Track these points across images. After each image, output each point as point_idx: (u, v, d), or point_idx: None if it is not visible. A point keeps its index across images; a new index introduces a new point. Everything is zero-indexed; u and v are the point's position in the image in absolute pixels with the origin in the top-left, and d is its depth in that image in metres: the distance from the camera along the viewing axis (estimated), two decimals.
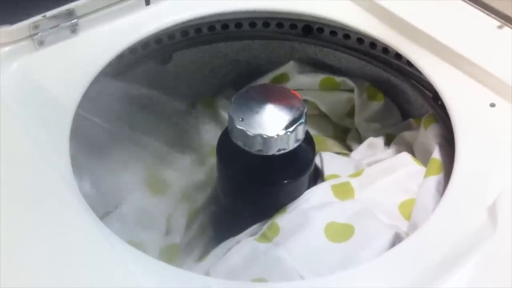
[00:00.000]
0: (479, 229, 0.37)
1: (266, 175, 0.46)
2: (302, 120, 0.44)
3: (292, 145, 0.44)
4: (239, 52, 0.62)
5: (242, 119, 0.43)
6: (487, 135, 0.43)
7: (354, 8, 0.55)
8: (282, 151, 0.44)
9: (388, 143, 0.55)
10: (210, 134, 0.60)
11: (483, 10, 0.50)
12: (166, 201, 0.55)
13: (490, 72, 0.46)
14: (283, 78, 0.60)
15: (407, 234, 0.43)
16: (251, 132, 0.43)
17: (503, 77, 0.45)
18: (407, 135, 0.54)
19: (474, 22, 0.51)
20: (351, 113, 0.60)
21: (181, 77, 0.61)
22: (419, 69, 0.50)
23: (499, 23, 0.49)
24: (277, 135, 0.43)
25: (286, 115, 0.44)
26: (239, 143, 0.44)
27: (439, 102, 0.52)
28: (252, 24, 0.60)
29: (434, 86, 0.48)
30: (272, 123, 0.43)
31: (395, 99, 0.59)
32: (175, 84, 0.60)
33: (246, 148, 0.44)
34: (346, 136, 0.60)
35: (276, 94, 0.45)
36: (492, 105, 0.45)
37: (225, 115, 0.61)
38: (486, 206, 0.38)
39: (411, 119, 0.57)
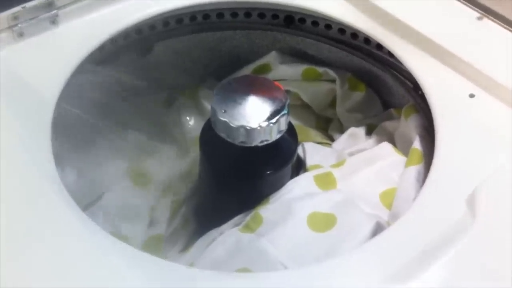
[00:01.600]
0: (458, 219, 0.38)
1: (249, 166, 0.46)
2: (285, 111, 0.44)
3: (274, 136, 0.44)
4: (221, 43, 0.62)
5: (225, 111, 0.43)
6: (466, 126, 0.44)
7: None
8: (265, 142, 0.44)
9: (369, 133, 0.55)
10: (193, 125, 0.60)
11: (462, 1, 0.51)
12: (149, 192, 0.55)
13: (469, 63, 0.47)
14: (265, 68, 0.60)
15: (388, 224, 0.44)
16: (234, 123, 0.43)
17: (483, 68, 0.46)
18: (388, 125, 0.55)
19: (454, 13, 0.51)
20: (333, 104, 0.60)
21: (162, 67, 0.60)
22: (400, 59, 0.51)
23: (478, 15, 0.50)
24: (260, 126, 0.43)
25: (269, 107, 0.44)
26: (222, 135, 0.44)
27: (420, 92, 0.52)
28: (234, 14, 0.60)
29: (415, 77, 0.49)
30: (255, 115, 0.44)
31: (377, 89, 0.59)
32: (156, 75, 0.60)
33: (230, 140, 0.44)
34: (328, 126, 0.61)
35: (258, 85, 0.45)
36: (472, 95, 0.46)
37: (207, 105, 0.61)
38: (466, 196, 0.39)
39: (392, 109, 0.57)
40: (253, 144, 0.44)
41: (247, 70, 0.61)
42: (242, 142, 0.44)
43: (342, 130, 0.59)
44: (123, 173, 0.55)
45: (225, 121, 0.43)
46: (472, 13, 0.50)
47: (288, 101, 0.45)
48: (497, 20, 0.49)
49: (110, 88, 0.54)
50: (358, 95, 0.58)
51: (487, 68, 0.46)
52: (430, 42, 0.49)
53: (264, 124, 0.43)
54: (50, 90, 0.45)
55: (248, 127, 0.43)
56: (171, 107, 0.60)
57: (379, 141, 0.54)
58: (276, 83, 0.47)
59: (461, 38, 0.49)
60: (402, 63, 0.50)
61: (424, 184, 0.41)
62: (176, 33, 0.59)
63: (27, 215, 0.37)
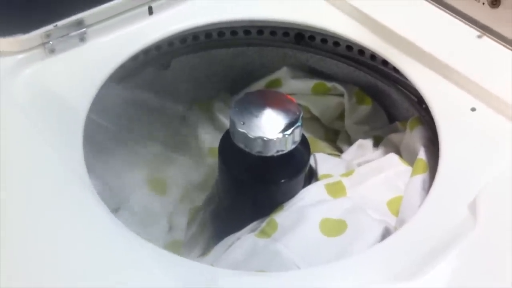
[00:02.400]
0: (461, 224, 0.40)
1: (265, 174, 0.49)
2: (299, 123, 0.47)
3: (289, 147, 0.47)
4: (234, 58, 0.65)
5: (243, 123, 0.46)
6: (468, 138, 0.47)
7: (344, 18, 0.58)
8: (280, 153, 0.47)
9: (376, 144, 0.59)
10: (208, 136, 0.63)
11: (463, 20, 0.54)
12: (167, 200, 0.58)
13: (470, 79, 0.50)
14: (277, 83, 0.64)
15: (396, 229, 0.46)
16: (252, 135, 0.46)
17: (483, 83, 0.49)
18: (394, 137, 0.58)
19: (455, 32, 0.54)
20: (341, 117, 0.63)
21: (179, 82, 0.64)
22: (405, 75, 0.54)
23: (478, 33, 0.53)
24: (276, 137, 0.46)
25: (284, 119, 0.47)
26: (241, 145, 0.47)
27: (424, 106, 0.55)
28: (247, 32, 0.63)
29: (419, 91, 0.52)
30: (271, 127, 0.47)
31: (382, 103, 0.63)
32: (174, 89, 0.63)
33: (247, 150, 0.47)
34: (337, 138, 0.64)
35: (273, 99, 0.49)
36: (473, 109, 0.49)
37: (221, 118, 0.64)
38: (468, 202, 0.42)
39: (397, 122, 0.60)
40: (269, 154, 0.47)
41: (260, 84, 0.64)
42: (259, 152, 0.47)
43: (350, 142, 0.62)
44: (142, 182, 0.58)
45: (243, 132, 0.46)
46: (472, 32, 0.53)
47: (301, 114, 0.48)
48: (496, 39, 0.52)
49: (131, 101, 0.57)
50: (365, 108, 0.61)
51: (488, 83, 0.49)
52: (433, 59, 0.52)
53: (280, 135, 0.46)
54: (80, 102, 0.48)
55: (265, 138, 0.46)
56: (187, 120, 0.63)
57: (386, 152, 0.57)
58: (289, 96, 0.50)
59: (463, 55, 0.52)
60: (407, 78, 0.53)
61: (429, 191, 0.44)
62: (193, 49, 0.63)
63: (63, 219, 0.40)
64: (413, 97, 0.58)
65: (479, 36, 0.53)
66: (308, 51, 0.64)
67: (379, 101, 0.63)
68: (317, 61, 0.64)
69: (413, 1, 0.57)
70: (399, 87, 0.60)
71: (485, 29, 0.53)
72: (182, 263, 0.39)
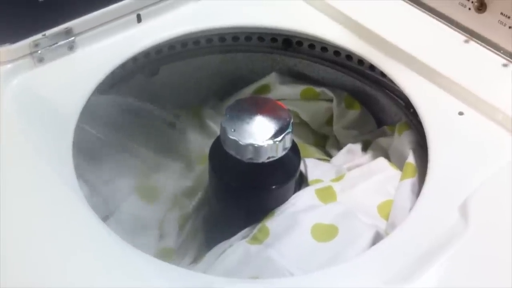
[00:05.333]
0: (452, 227, 0.41)
1: (256, 181, 0.50)
2: (289, 129, 0.47)
3: (280, 153, 0.47)
4: (223, 65, 0.65)
5: (234, 130, 0.47)
6: (457, 141, 0.47)
7: (331, 23, 0.59)
8: (271, 159, 0.47)
9: (365, 148, 0.59)
10: (197, 142, 0.63)
11: (450, 25, 0.55)
12: (157, 207, 0.58)
13: (458, 83, 0.50)
14: (266, 89, 0.64)
15: (387, 233, 0.47)
16: (243, 141, 0.46)
17: (470, 88, 0.50)
18: (382, 141, 0.59)
19: (442, 36, 0.55)
20: (329, 121, 0.63)
21: (168, 88, 0.64)
22: (392, 79, 0.54)
23: (465, 38, 0.54)
24: (267, 144, 0.46)
25: (274, 125, 0.48)
26: (232, 152, 0.47)
27: (411, 110, 0.56)
28: (235, 38, 0.63)
29: (407, 96, 0.52)
30: (262, 133, 0.47)
31: (370, 107, 0.63)
32: (162, 96, 0.63)
33: (238, 157, 0.47)
34: (325, 143, 0.64)
35: (264, 105, 0.49)
36: (461, 113, 0.49)
37: (210, 124, 0.64)
38: (458, 205, 0.42)
39: (385, 126, 0.61)
40: (260, 161, 0.47)
41: (248, 90, 0.65)
42: (250, 158, 0.47)
43: (338, 147, 0.63)
44: (131, 189, 0.58)
45: (234, 139, 0.46)
46: (459, 37, 0.54)
47: (292, 120, 0.48)
48: (482, 43, 0.53)
49: (120, 109, 0.57)
50: (354, 113, 0.62)
51: (475, 87, 0.49)
52: (420, 63, 0.53)
53: (271, 142, 0.46)
54: (70, 111, 0.48)
55: (256, 145, 0.46)
56: (176, 126, 0.63)
57: (375, 156, 0.57)
58: (280, 103, 0.50)
59: (450, 59, 0.52)
60: (395, 82, 0.54)
61: (420, 194, 0.44)
62: (181, 56, 0.63)
63: (54, 228, 0.40)
64: (400, 102, 0.59)
65: (465, 41, 0.54)
66: (296, 56, 0.64)
67: (367, 106, 0.63)
68: (305, 67, 0.64)
69: (400, 6, 0.58)
70: (387, 91, 0.60)
71: (472, 34, 0.53)
72: (175, 271, 0.39)
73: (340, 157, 0.58)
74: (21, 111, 0.47)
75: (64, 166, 0.44)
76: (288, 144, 0.48)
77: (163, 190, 0.59)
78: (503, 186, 0.43)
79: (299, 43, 0.63)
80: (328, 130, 0.64)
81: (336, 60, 0.62)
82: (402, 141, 0.55)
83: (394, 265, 0.39)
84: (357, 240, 0.46)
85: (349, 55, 0.61)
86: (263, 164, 0.48)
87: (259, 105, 0.49)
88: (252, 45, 0.64)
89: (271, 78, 0.64)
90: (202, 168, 0.60)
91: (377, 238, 0.46)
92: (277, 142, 0.47)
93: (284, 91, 0.63)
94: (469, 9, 0.52)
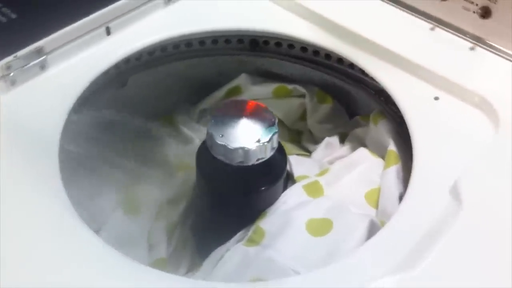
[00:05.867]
0: (446, 209, 0.42)
1: (246, 183, 0.50)
2: (276, 130, 0.48)
3: (269, 153, 0.48)
4: (191, 70, 0.65)
5: (222, 135, 0.47)
6: (437, 125, 0.49)
7: (296, 20, 0.60)
8: (260, 160, 0.48)
9: (342, 140, 0.60)
10: (173, 150, 0.62)
11: (414, 14, 0.56)
12: (143, 218, 0.57)
13: (429, 69, 0.52)
14: (237, 90, 0.64)
15: (381, 221, 0.48)
16: (232, 146, 0.46)
17: (443, 73, 0.51)
18: (358, 132, 0.60)
19: (407, 26, 0.57)
20: (303, 117, 0.64)
21: (139, 98, 0.63)
22: (366, 71, 0.55)
23: (431, 25, 0.56)
24: (256, 146, 0.47)
25: (260, 127, 0.48)
26: (221, 157, 0.47)
27: (382, 98, 0.58)
28: (202, 42, 0.63)
29: (382, 85, 0.53)
30: (249, 136, 0.47)
31: (341, 100, 0.64)
32: (134, 106, 0.62)
33: (228, 161, 0.47)
34: (300, 139, 0.65)
35: (247, 108, 0.49)
36: (436, 98, 0.51)
37: (185, 130, 0.64)
38: (449, 188, 0.44)
39: (358, 117, 0.62)
40: (250, 163, 0.47)
41: (219, 93, 0.65)
42: (240, 162, 0.47)
43: (314, 141, 0.64)
44: (117, 204, 0.57)
45: (223, 145, 0.46)
46: (425, 25, 0.56)
47: (276, 120, 0.48)
48: (448, 29, 0.55)
49: (96, 123, 0.56)
50: (326, 107, 0.63)
51: (447, 72, 0.51)
52: (390, 53, 0.54)
53: (259, 143, 0.47)
54: (51, 131, 0.47)
55: (245, 148, 0.46)
56: (151, 135, 0.63)
57: (353, 147, 0.59)
58: (262, 104, 0.51)
59: (418, 47, 0.54)
60: (368, 74, 0.55)
61: (410, 180, 0.45)
62: (149, 65, 0.62)
63: (47, 240, 0.40)
64: (371, 91, 0.60)
65: (431, 29, 0.55)
66: (263, 56, 0.64)
67: (338, 99, 0.64)
68: (272, 65, 0.65)
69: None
70: (356, 83, 0.61)
71: (437, 21, 0.55)
72: (178, 281, 0.39)
73: (320, 151, 0.59)
74: (1, 135, 0.46)
75: (54, 186, 0.43)
76: (275, 144, 0.48)
77: (147, 200, 0.58)
78: (489, 164, 0.45)
79: (266, 42, 0.63)
80: (301, 126, 0.65)
81: (304, 56, 0.63)
82: (379, 130, 0.56)
83: (398, 252, 0.40)
84: (354, 232, 0.47)
85: (316, 50, 0.62)
86: (252, 166, 0.48)
87: (242, 108, 0.49)
88: (219, 48, 0.64)
89: (241, 80, 0.64)
90: (182, 175, 0.60)
91: (372, 227, 0.47)
92: (265, 143, 0.47)
93: (257, 91, 0.63)
94: None
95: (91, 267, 0.39)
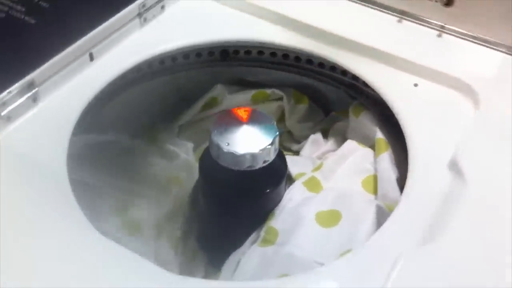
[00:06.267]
0: (450, 183, 0.46)
1: (253, 187, 0.52)
2: (276, 132, 0.50)
3: (272, 156, 0.50)
4: (164, 86, 0.66)
5: (228, 143, 0.48)
6: (422, 109, 0.52)
7: (263, 24, 0.62)
8: (266, 163, 0.50)
9: (325, 136, 0.63)
10: (162, 166, 0.63)
11: (380, 9, 0.60)
12: (145, 238, 0.58)
13: (404, 58, 0.55)
14: (214, 101, 0.66)
15: (386, 205, 0.51)
16: (240, 152, 0.48)
17: (417, 60, 0.55)
18: (339, 126, 0.63)
19: (376, 20, 0.60)
20: (281, 118, 0.67)
21: (121, 119, 0.63)
22: (343, 66, 0.58)
23: (397, 18, 0.59)
24: (261, 149, 0.49)
25: (261, 131, 0.50)
26: (229, 165, 0.49)
27: (355, 91, 0.61)
28: (174, 59, 0.64)
29: (362, 77, 0.56)
30: (253, 141, 0.49)
31: (315, 98, 0.67)
32: (117, 126, 0.62)
33: (236, 168, 0.49)
34: (281, 139, 0.67)
35: (244, 115, 0.51)
36: (416, 84, 0.55)
37: (168, 146, 0.64)
38: (446, 163, 0.47)
39: (333, 113, 0.65)
40: (257, 167, 0.49)
41: (197, 106, 0.66)
42: (248, 167, 0.49)
43: (294, 140, 0.66)
44: (116, 227, 0.57)
45: (230, 152, 0.48)
46: (392, 18, 0.60)
47: (275, 123, 0.51)
48: (414, 20, 0.59)
49: (88, 146, 0.56)
50: (303, 107, 0.65)
51: (420, 59, 0.55)
52: (364, 46, 0.57)
53: (264, 146, 0.49)
54: (56, 162, 0.47)
55: (253, 153, 0.48)
56: (137, 154, 0.63)
57: (336, 141, 0.62)
58: (255, 109, 0.52)
59: (389, 38, 0.57)
60: (346, 68, 0.58)
61: (408, 162, 0.48)
62: (126, 86, 0.62)
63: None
64: (341, 87, 0.63)
65: (398, 21, 0.59)
66: (234, 65, 0.66)
67: (312, 98, 0.67)
68: (246, 73, 0.67)
69: None
70: (328, 80, 0.64)
71: (403, 14, 0.59)
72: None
73: (307, 148, 0.62)
74: (6, 173, 0.45)
75: (76, 216, 0.43)
76: (277, 146, 0.50)
77: (145, 219, 0.58)
78: (478, 136, 0.48)
79: (236, 51, 0.65)
80: (281, 127, 0.67)
81: (274, 60, 0.65)
82: (361, 121, 0.59)
83: (415, 230, 0.43)
84: (363, 218, 0.49)
85: (286, 54, 0.64)
86: (257, 170, 0.50)
87: (240, 116, 0.51)
88: (191, 63, 0.65)
89: (217, 90, 0.65)
90: (175, 189, 0.61)
91: (380, 211, 0.50)
92: (269, 146, 0.49)
93: (235, 100, 0.65)
94: None
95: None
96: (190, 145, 0.63)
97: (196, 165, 0.62)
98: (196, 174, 0.61)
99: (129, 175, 0.59)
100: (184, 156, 0.63)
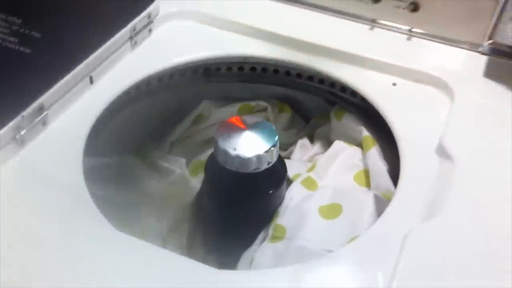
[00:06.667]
0: (441, 165, 0.51)
1: (259, 189, 0.55)
2: (277, 135, 0.54)
3: (275, 157, 0.54)
4: (151, 108, 0.68)
5: (235, 149, 0.52)
6: (404, 105, 0.57)
7: (241, 39, 0.65)
8: (270, 164, 0.53)
9: (311, 140, 0.67)
10: (159, 182, 0.65)
11: (353, 19, 0.65)
12: None
13: (380, 60, 0.61)
14: (202, 117, 0.69)
15: (382, 194, 0.55)
16: (246, 156, 0.52)
17: (392, 61, 0.60)
18: (322, 130, 0.67)
19: (349, 29, 0.65)
20: None
21: (108, 144, 0.65)
22: (322, 74, 0.63)
23: (369, 26, 0.65)
24: (266, 151, 0.52)
25: (262, 134, 0.54)
26: (237, 169, 0.52)
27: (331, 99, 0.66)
28: (160, 79, 0.67)
29: (343, 81, 0.61)
30: (257, 144, 0.53)
31: (294, 107, 0.72)
32: (108, 151, 0.64)
33: (243, 171, 0.52)
34: None
35: (244, 122, 0.54)
36: (394, 84, 0.60)
37: (161, 163, 0.67)
38: (434, 149, 0.52)
39: (313, 119, 0.70)
40: (262, 169, 0.53)
41: (185, 124, 0.69)
42: (254, 169, 0.52)
43: (280, 147, 0.70)
44: None
45: (238, 156, 0.51)
46: (364, 26, 0.65)
47: (274, 126, 0.54)
48: (385, 27, 0.64)
49: (95, 167, 0.58)
50: (286, 115, 0.70)
51: (395, 60, 0.60)
52: (341, 53, 0.61)
53: (267, 148, 0.52)
54: (74, 184, 0.49)
55: (258, 155, 0.52)
56: (133, 172, 0.65)
57: (322, 144, 0.66)
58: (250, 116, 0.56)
59: (363, 44, 0.62)
60: (326, 75, 0.62)
61: (400, 152, 0.53)
62: (118, 108, 0.65)
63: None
64: (319, 95, 0.68)
65: (370, 29, 0.65)
66: (215, 81, 0.70)
67: (292, 107, 0.71)
68: (229, 89, 0.70)
69: (302, 11, 0.67)
70: (308, 89, 0.69)
71: (374, 22, 0.64)
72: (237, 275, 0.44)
73: (297, 153, 0.66)
74: (28, 193, 0.47)
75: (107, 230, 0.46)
76: (278, 148, 0.54)
77: (150, 234, 0.60)
78: (459, 123, 0.54)
79: (217, 69, 0.69)
80: None
81: (254, 74, 0.69)
82: (344, 123, 0.64)
83: (420, 207, 0.47)
84: (364, 207, 0.53)
85: (265, 68, 0.68)
86: (261, 172, 0.53)
87: (240, 123, 0.54)
88: (176, 83, 0.68)
89: (204, 106, 0.69)
90: (174, 202, 0.63)
91: (377, 200, 0.54)
92: (272, 148, 0.53)
93: (222, 114, 0.68)
94: (366, 2, 0.63)
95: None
96: (182, 160, 0.66)
97: (190, 179, 0.65)
98: (191, 187, 0.64)
99: (127, 194, 0.61)
100: (179, 171, 0.66)
